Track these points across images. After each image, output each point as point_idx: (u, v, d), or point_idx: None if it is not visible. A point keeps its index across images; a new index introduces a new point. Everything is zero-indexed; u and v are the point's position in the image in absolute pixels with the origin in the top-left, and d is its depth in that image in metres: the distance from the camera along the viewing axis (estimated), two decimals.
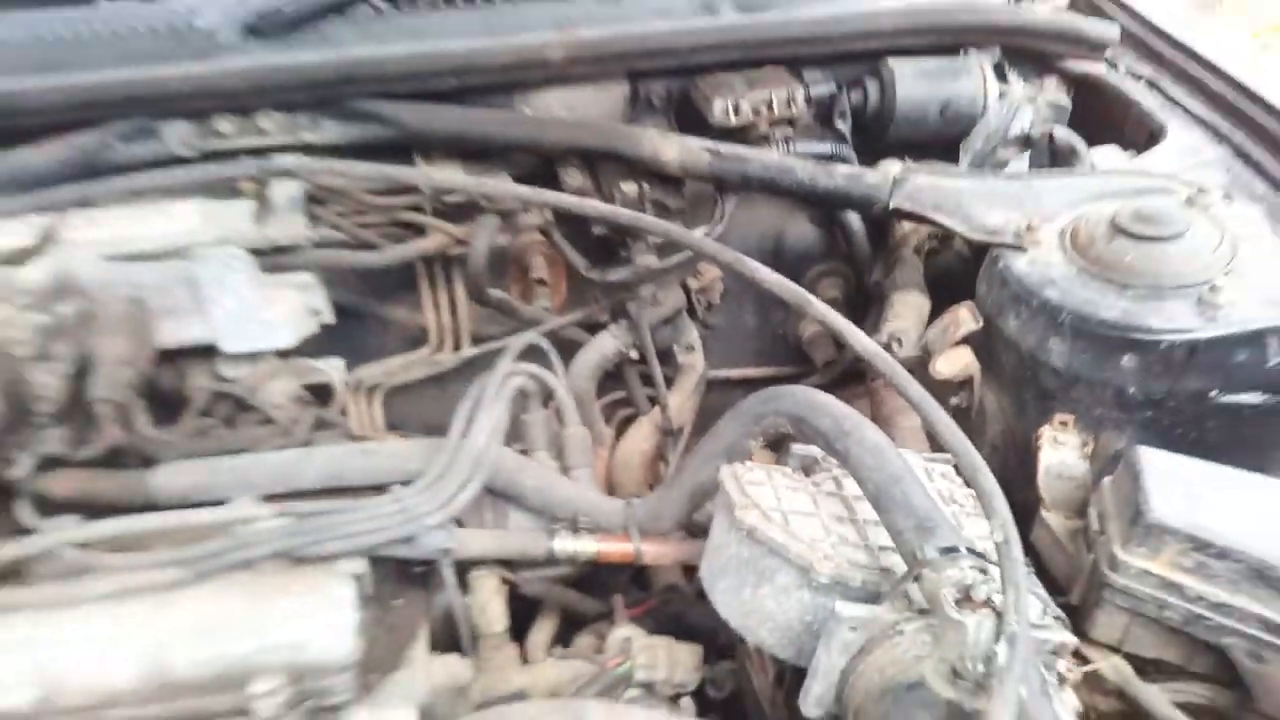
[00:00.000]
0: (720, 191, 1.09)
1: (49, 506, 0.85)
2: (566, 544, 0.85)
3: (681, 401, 1.14)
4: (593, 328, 1.16)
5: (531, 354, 0.99)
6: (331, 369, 1.06)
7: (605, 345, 1.13)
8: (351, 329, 1.10)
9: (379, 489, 0.85)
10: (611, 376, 1.17)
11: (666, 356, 1.15)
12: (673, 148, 1.05)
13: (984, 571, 0.63)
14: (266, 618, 0.71)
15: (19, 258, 0.90)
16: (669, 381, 1.14)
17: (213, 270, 0.93)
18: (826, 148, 1.15)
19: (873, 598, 0.68)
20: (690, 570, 0.90)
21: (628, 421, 1.15)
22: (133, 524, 0.78)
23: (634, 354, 1.14)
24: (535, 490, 0.88)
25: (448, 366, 1.15)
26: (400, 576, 0.85)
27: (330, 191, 1.04)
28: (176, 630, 0.70)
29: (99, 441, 0.88)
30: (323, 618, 0.72)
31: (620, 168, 1.09)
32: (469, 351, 1.15)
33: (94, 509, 0.85)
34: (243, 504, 0.81)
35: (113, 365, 0.87)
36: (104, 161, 1.03)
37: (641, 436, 1.12)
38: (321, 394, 1.06)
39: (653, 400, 1.14)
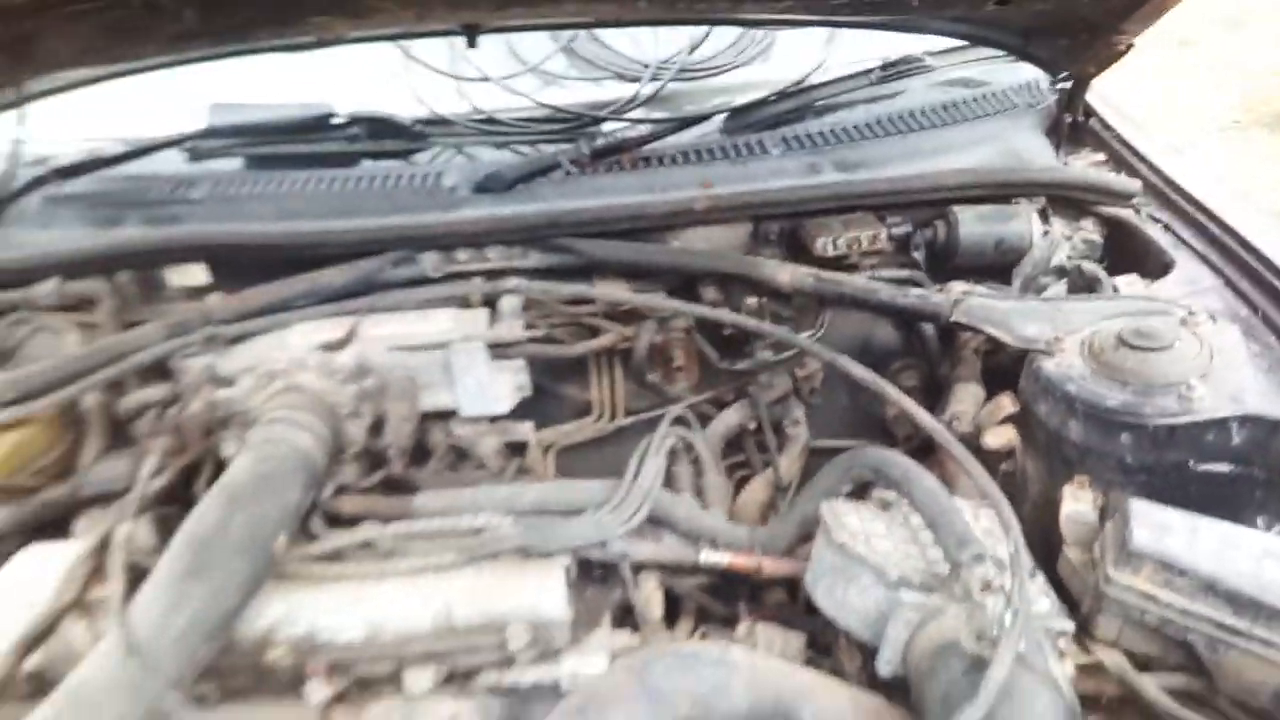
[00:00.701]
0: (821, 306, 1.45)
1: (334, 520, 1.24)
2: (708, 556, 1.19)
3: (789, 465, 1.47)
4: (719, 405, 1.52)
5: (677, 423, 1.35)
6: (526, 430, 1.43)
7: (730, 418, 1.48)
8: (538, 401, 1.48)
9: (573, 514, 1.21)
10: (731, 444, 1.52)
11: (777, 429, 1.49)
12: (786, 272, 1.41)
13: (1000, 570, 0.94)
14: (515, 588, 1.06)
15: (335, 346, 1.32)
16: (779, 448, 1.47)
17: (460, 359, 1.33)
18: (904, 273, 1.50)
19: (926, 590, 0.99)
20: (793, 589, 1.22)
21: (744, 480, 1.49)
22: (418, 526, 1.15)
23: (752, 426, 1.49)
24: (685, 519, 1.22)
25: (606, 432, 1.51)
26: (587, 579, 1.20)
27: (536, 303, 1.44)
28: (455, 593, 1.06)
29: (381, 474, 1.28)
30: (549, 589, 1.07)
31: (745, 286, 1.46)
32: (623, 421, 1.52)
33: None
34: (485, 516, 1.18)
35: (398, 422, 1.27)
36: (380, 280, 1.45)
37: (757, 490, 1.45)
38: (517, 449, 1.44)
39: (766, 463, 1.48)
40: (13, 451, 1.27)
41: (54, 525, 1.24)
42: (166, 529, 1.07)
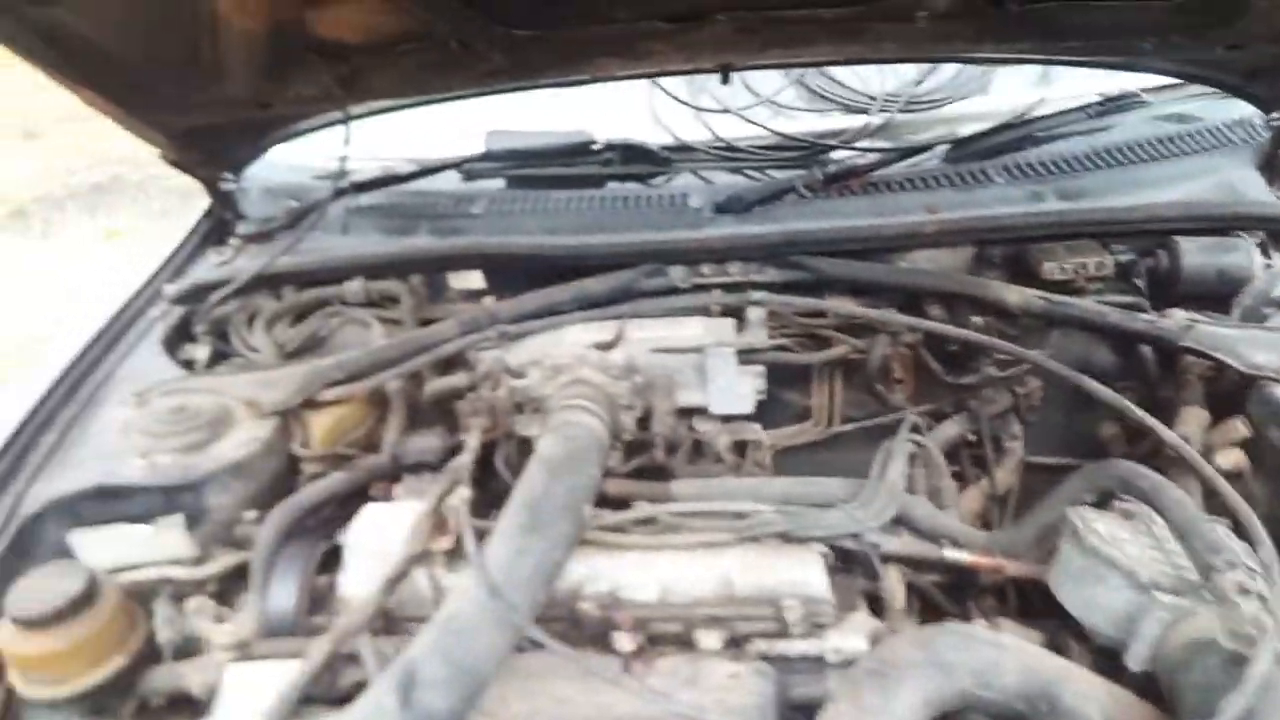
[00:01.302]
0: (1048, 327, 1.54)
1: (601, 500, 1.40)
2: (952, 554, 1.30)
3: (1005, 477, 1.57)
4: (936, 416, 1.63)
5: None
6: (757, 431, 1.58)
7: (950, 430, 1.59)
8: (765, 404, 1.62)
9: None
10: (946, 455, 1.62)
11: (995, 442, 1.59)
12: (1014, 294, 1.51)
13: (1253, 575, 1.03)
14: (784, 566, 1.21)
15: (606, 346, 1.50)
16: (996, 461, 1.57)
17: (714, 362, 1.48)
18: (1127, 299, 1.57)
19: (1174, 593, 1.09)
20: (1022, 592, 1.32)
21: (959, 489, 1.59)
22: (691, 508, 1.31)
23: (971, 437, 1.59)
24: (924, 518, 1.34)
25: (823, 437, 1.64)
26: (835, 567, 1.32)
27: (773, 314, 1.58)
28: (734, 566, 1.21)
29: (640, 461, 1.45)
30: (813, 570, 1.21)
31: (970, 305, 1.57)
32: (841, 428, 1.65)
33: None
34: (744, 504, 1.32)
35: (663, 415, 1.44)
36: (635, 289, 1.63)
37: (971, 499, 1.56)
38: (742, 447, 1.58)
39: (978, 475, 1.58)
40: (336, 424, 1.50)
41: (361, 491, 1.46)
42: (481, 492, 1.27)
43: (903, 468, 1.36)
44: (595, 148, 1.81)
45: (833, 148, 1.78)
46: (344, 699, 1.08)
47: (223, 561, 1.30)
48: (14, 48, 1.29)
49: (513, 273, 1.66)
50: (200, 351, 1.65)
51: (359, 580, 1.21)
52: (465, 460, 1.28)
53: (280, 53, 1.48)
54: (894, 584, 1.31)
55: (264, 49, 1.46)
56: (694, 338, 1.51)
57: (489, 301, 1.71)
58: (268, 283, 1.71)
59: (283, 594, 1.22)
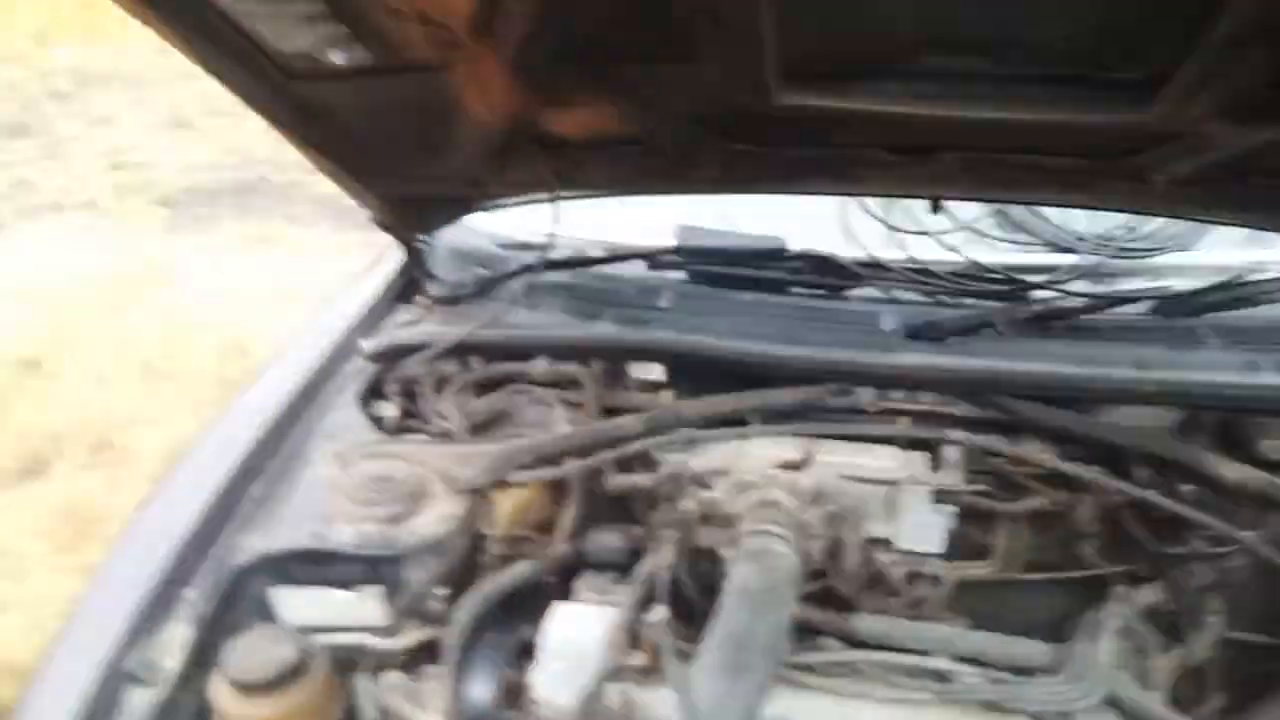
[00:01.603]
0: (1266, 509, 1.48)
1: None
2: None
3: (1201, 651, 1.49)
4: (1132, 578, 1.57)
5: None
6: (938, 566, 1.55)
7: (1149, 598, 1.52)
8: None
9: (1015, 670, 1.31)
10: None
11: (1193, 614, 1.51)
12: (1232, 471, 1.45)
13: None
14: None
15: (794, 466, 1.49)
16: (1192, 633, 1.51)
17: (907, 498, 1.47)
18: None
19: None
20: None
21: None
22: (891, 659, 1.29)
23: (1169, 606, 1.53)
24: (1133, 700, 1.28)
25: (1002, 579, 1.60)
26: None
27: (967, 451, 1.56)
28: None
29: (819, 584, 1.44)
30: None
31: (1180, 473, 1.52)
32: (1024, 576, 1.60)
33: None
34: (942, 660, 1.30)
35: (852, 549, 1.43)
36: (819, 406, 1.63)
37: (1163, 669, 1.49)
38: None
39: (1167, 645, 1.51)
40: (519, 507, 1.53)
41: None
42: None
43: (1113, 643, 1.33)
44: (786, 254, 1.81)
45: (1037, 286, 1.75)
46: None
47: (414, 635, 1.33)
48: (263, 112, 1.35)
49: (693, 372, 1.67)
50: (390, 410, 1.70)
51: (553, 683, 1.22)
52: (663, 578, 1.29)
53: (507, 143, 1.53)
54: None
55: (494, 139, 1.51)
56: (887, 470, 1.49)
57: (667, 397, 1.73)
58: (456, 350, 1.75)
59: (481, 687, 1.24)
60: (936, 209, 1.62)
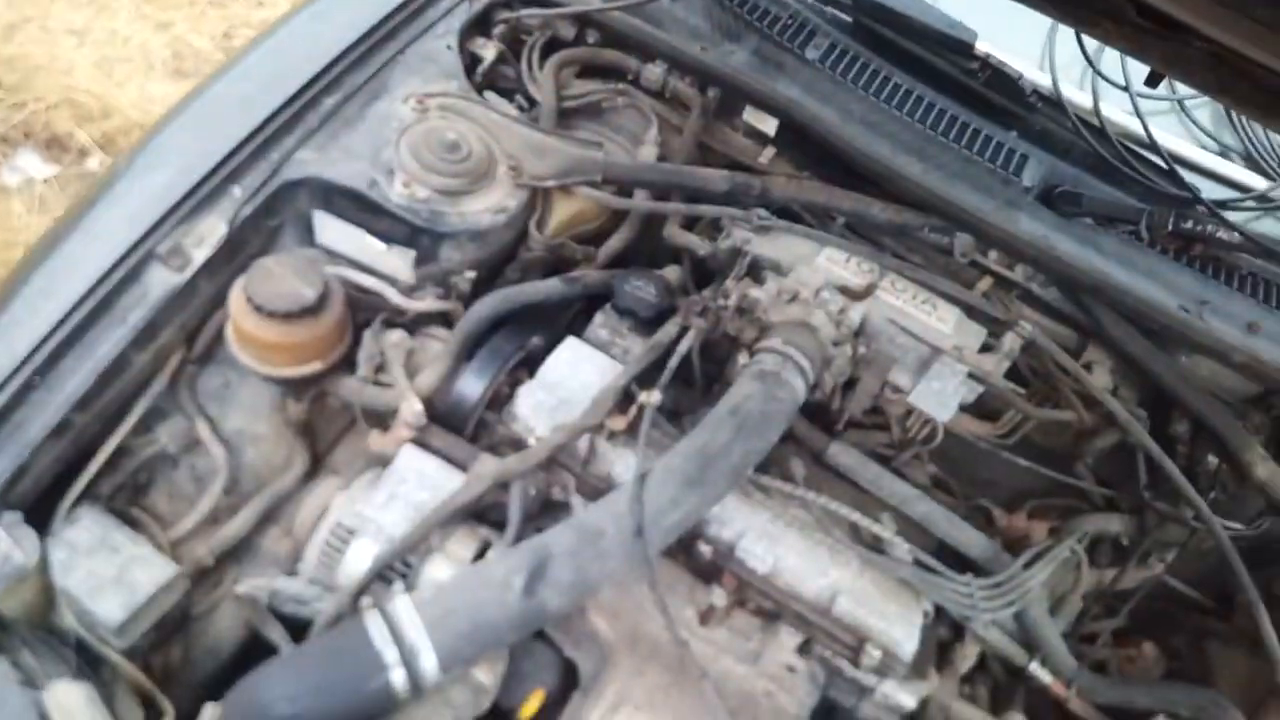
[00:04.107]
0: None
1: None
2: (1037, 671, 1.35)
3: (1128, 583, 1.54)
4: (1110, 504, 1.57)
5: None
6: (938, 430, 1.53)
7: (1111, 526, 1.53)
8: None
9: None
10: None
11: (1144, 557, 1.54)
12: (1263, 468, 1.39)
13: None
14: (892, 615, 1.25)
15: (852, 294, 1.42)
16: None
17: (941, 368, 1.41)
18: None
19: None
20: None
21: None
22: (836, 510, 1.32)
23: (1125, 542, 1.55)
24: (1035, 625, 1.35)
25: (994, 446, 1.58)
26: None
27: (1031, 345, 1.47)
28: (846, 586, 1.26)
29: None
30: (911, 629, 1.26)
31: (1215, 445, 1.45)
32: (1014, 459, 1.59)
33: None
34: (887, 527, 1.34)
35: (864, 394, 1.40)
36: (911, 237, 1.51)
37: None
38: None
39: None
40: (573, 218, 1.50)
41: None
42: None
43: (1048, 576, 1.36)
44: (971, 53, 1.56)
45: (1203, 204, 1.51)
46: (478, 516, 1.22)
47: (432, 303, 1.37)
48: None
49: (804, 142, 1.53)
50: (489, 52, 1.60)
51: (535, 409, 1.29)
52: (670, 362, 1.29)
53: None
54: (970, 655, 1.37)
55: None
56: (939, 334, 1.42)
57: (769, 155, 1.61)
58: (580, 17, 1.60)
59: (474, 383, 1.30)
60: (1155, 82, 1.36)
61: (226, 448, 1.26)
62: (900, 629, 1.25)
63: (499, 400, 1.33)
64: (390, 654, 1.00)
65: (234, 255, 1.29)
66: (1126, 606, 1.52)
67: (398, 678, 0.99)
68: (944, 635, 1.39)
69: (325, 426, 1.35)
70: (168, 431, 1.25)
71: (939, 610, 1.33)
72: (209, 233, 1.26)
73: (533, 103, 1.58)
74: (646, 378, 1.30)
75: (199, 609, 1.20)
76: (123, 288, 1.20)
